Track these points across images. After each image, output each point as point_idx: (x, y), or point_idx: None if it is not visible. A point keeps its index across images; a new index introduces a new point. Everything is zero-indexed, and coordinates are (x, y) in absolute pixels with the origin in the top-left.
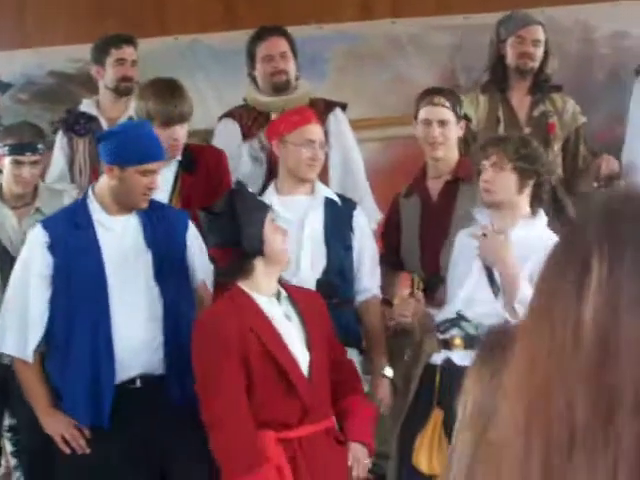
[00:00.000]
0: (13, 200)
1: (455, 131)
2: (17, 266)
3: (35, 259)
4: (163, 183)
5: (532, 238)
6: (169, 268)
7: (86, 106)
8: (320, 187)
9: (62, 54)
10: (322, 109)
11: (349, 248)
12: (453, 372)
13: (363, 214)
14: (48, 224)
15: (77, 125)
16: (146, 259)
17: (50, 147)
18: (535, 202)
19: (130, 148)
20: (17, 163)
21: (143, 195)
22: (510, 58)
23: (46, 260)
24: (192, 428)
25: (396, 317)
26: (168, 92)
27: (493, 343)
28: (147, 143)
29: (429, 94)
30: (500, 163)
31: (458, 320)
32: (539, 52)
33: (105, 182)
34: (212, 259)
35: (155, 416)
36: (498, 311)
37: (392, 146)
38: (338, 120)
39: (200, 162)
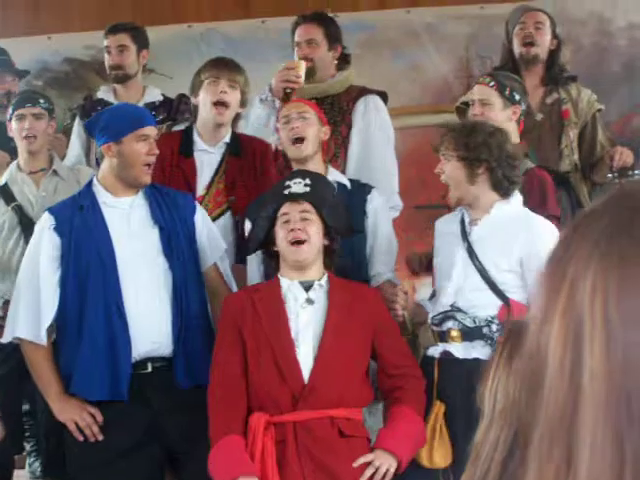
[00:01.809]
0: (29, 165)
1: (502, 115)
2: (27, 252)
3: (42, 242)
4: (209, 163)
5: (510, 214)
6: (177, 244)
7: (103, 93)
8: (331, 171)
9: (77, 41)
10: (353, 96)
11: (361, 232)
12: (452, 364)
13: (379, 198)
14: (53, 209)
15: (94, 111)
16: (153, 235)
17: (67, 133)
18: (499, 190)
19: (118, 120)
20: (20, 118)
21: (145, 166)
22: (516, 47)
23: (53, 241)
24: (199, 410)
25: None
26: (221, 58)
27: (519, 333)
28: (134, 111)
29: (481, 75)
30: (447, 154)
31: (452, 312)
32: (542, 36)
33: (106, 164)
34: None
35: (163, 399)
36: (490, 299)
37: (407, 135)
38: (368, 108)
39: (247, 148)
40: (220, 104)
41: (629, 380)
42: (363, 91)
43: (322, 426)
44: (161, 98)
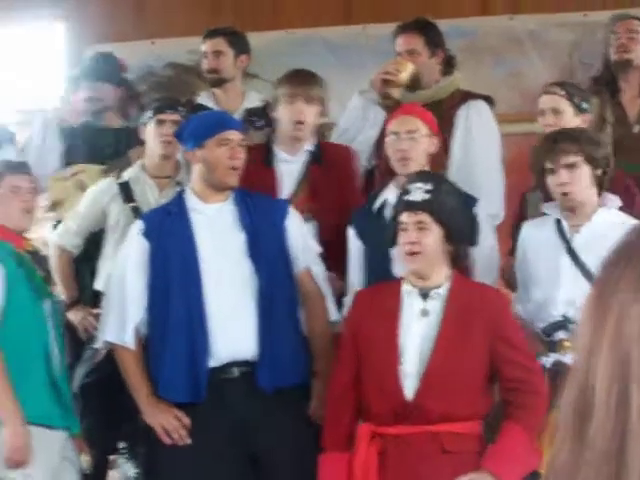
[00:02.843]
0: (156, 170)
1: (573, 123)
2: (116, 257)
3: (131, 248)
4: (291, 172)
5: (610, 220)
6: (264, 247)
7: (203, 98)
8: None
9: (179, 46)
10: (456, 101)
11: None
12: (565, 373)
13: (483, 211)
14: (144, 216)
15: None
16: (239, 238)
17: None
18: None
19: (200, 126)
20: (159, 122)
21: (229, 169)
22: (612, 55)
23: (142, 246)
24: (284, 415)
25: None
26: (296, 73)
27: None
28: (216, 116)
29: (548, 85)
30: (577, 162)
31: (565, 322)
32: (637, 44)
33: (195, 171)
34: None
35: (248, 404)
36: None
37: (507, 143)
38: (469, 113)
39: (328, 156)
40: (298, 123)
41: None
42: (466, 96)
43: (424, 441)
44: (260, 103)
